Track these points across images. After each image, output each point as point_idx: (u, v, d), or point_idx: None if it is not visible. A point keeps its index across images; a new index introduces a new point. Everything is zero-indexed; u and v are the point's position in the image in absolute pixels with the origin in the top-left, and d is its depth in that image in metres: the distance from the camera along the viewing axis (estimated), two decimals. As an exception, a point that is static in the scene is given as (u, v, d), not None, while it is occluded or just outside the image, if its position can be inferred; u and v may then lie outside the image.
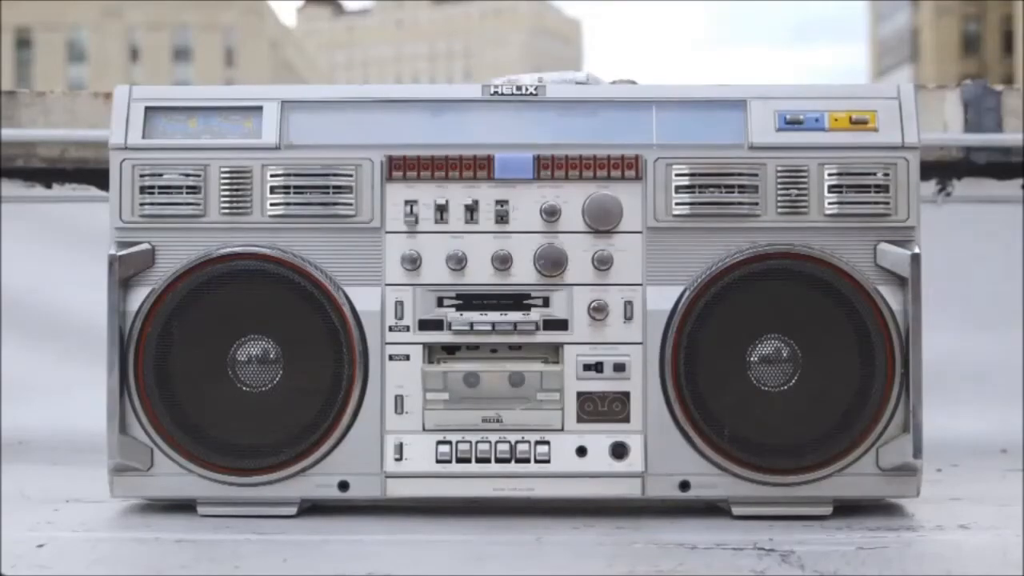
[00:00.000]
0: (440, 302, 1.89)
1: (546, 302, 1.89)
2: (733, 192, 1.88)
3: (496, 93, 1.93)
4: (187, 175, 1.90)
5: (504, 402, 1.88)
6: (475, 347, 1.90)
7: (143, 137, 1.91)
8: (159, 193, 1.90)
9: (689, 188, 1.88)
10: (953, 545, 1.75)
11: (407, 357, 1.89)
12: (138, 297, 1.88)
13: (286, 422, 1.87)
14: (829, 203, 1.88)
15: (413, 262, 1.89)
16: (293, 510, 1.89)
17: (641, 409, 1.88)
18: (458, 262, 1.88)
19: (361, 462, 1.88)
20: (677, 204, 1.88)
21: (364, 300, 1.88)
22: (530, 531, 1.80)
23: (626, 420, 1.88)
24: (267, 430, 1.87)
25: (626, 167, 1.88)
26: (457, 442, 1.88)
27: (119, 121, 1.92)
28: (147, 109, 1.92)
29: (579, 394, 1.89)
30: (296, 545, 1.74)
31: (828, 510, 1.88)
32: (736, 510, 1.89)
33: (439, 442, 1.88)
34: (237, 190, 1.90)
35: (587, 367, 1.88)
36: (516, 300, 1.89)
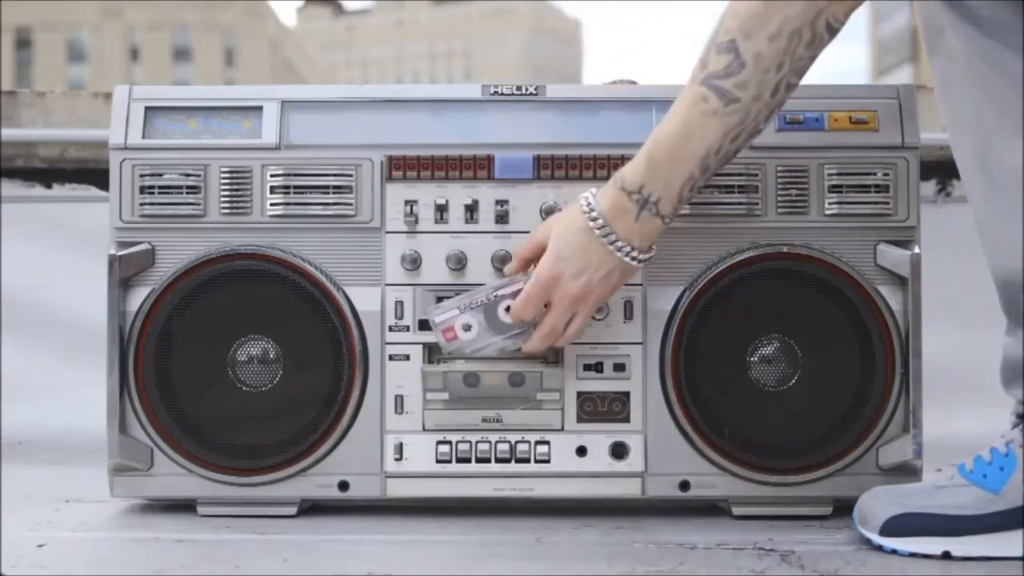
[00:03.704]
0: (440, 302, 1.89)
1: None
2: (733, 192, 1.88)
3: (496, 93, 1.93)
4: (187, 175, 1.90)
5: (504, 402, 1.88)
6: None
7: (143, 137, 1.91)
8: (159, 193, 1.90)
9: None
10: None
11: (407, 357, 1.89)
12: (138, 297, 1.88)
13: (286, 422, 1.87)
14: (829, 203, 1.88)
15: (413, 262, 1.89)
16: (293, 510, 1.89)
17: (641, 409, 1.88)
18: (458, 262, 1.88)
19: (361, 462, 1.88)
20: (677, 204, 1.88)
21: (364, 300, 1.88)
22: (530, 531, 1.80)
23: (626, 420, 1.89)
24: (267, 430, 1.87)
25: (626, 167, 1.88)
26: (457, 442, 1.88)
27: (119, 121, 1.92)
28: (147, 109, 1.92)
29: (579, 394, 1.89)
30: (296, 545, 1.74)
31: (828, 510, 1.88)
32: (736, 510, 1.89)
33: (439, 442, 1.88)
34: (237, 190, 1.90)
35: (587, 367, 1.88)
36: (516, 300, 1.89)
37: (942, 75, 1.68)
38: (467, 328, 1.82)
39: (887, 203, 1.88)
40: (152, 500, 1.94)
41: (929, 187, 2.77)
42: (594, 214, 1.72)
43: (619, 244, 1.71)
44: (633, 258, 1.72)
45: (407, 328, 1.89)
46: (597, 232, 1.71)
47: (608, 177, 1.87)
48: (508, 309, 1.79)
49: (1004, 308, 1.70)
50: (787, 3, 1.62)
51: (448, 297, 1.88)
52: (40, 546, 1.73)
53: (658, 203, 1.69)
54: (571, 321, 1.76)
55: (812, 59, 1.66)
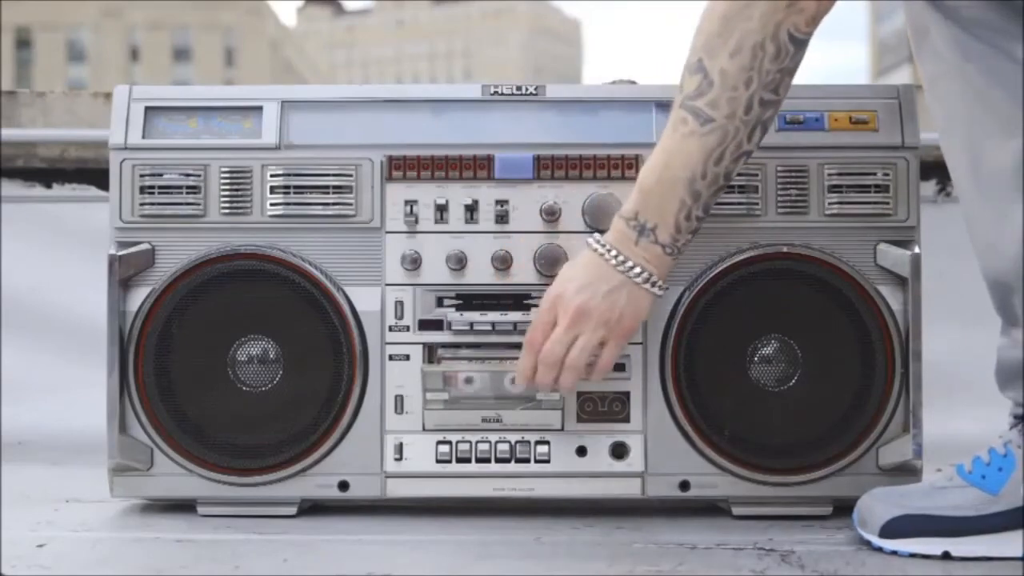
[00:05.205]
0: (440, 302, 1.89)
1: (546, 302, 1.88)
2: (733, 192, 1.88)
3: (496, 93, 1.93)
4: (187, 175, 1.90)
5: (504, 402, 1.88)
6: (476, 347, 1.90)
7: (143, 137, 1.91)
8: (159, 193, 1.90)
9: (689, 188, 1.87)
10: (953, 545, 1.75)
11: (407, 357, 1.89)
12: (138, 297, 1.88)
13: (286, 422, 1.87)
14: (829, 203, 1.88)
15: (413, 262, 1.89)
16: (293, 510, 1.89)
17: (641, 409, 1.88)
18: (458, 262, 1.88)
19: (361, 462, 1.88)
20: (677, 204, 1.88)
21: (364, 300, 1.88)
22: (530, 531, 1.80)
23: (626, 420, 1.89)
24: (267, 430, 1.87)
25: (626, 167, 1.88)
26: (457, 442, 1.88)
27: (119, 121, 1.92)
28: (147, 109, 1.92)
29: (579, 394, 1.88)
30: (296, 545, 1.74)
31: (828, 510, 1.88)
32: (736, 510, 1.89)
33: (439, 442, 1.88)
34: (237, 190, 1.90)
35: (587, 367, 1.88)
36: (516, 300, 1.89)
37: (930, 75, 1.68)
38: (468, 382, 1.85)
39: (887, 203, 1.88)
40: (152, 500, 1.94)
41: (929, 187, 2.77)
42: (600, 241, 1.72)
43: (621, 259, 1.70)
44: (638, 275, 1.69)
45: (407, 328, 1.89)
46: (601, 250, 1.71)
47: (607, 177, 1.88)
48: (513, 381, 1.83)
49: (997, 309, 1.70)
50: (744, 18, 1.61)
51: (448, 298, 1.88)
52: (40, 546, 1.73)
53: (655, 230, 1.69)
54: (574, 344, 1.73)
55: (784, 72, 1.64)
